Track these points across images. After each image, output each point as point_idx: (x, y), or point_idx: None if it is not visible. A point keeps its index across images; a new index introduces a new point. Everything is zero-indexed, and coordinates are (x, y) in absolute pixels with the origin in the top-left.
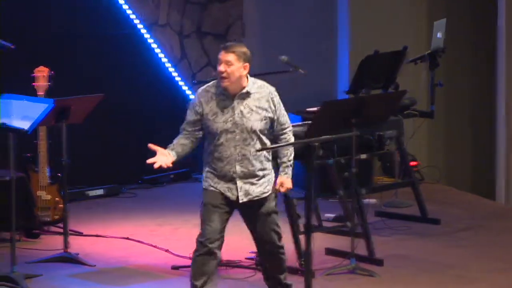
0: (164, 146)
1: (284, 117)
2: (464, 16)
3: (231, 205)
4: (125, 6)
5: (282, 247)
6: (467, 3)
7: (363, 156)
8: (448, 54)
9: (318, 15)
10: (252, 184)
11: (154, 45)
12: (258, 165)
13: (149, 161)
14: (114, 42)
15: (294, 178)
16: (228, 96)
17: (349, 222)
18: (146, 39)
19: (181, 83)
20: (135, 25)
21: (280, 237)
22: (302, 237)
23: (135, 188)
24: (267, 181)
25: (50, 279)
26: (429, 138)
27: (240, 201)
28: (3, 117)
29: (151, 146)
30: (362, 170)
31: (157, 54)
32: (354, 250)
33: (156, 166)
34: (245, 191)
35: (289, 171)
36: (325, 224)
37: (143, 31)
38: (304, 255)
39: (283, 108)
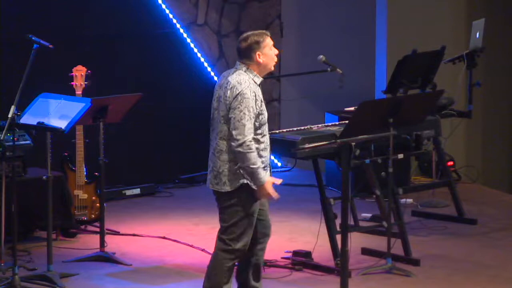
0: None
1: None
2: (503, 16)
3: None
4: (163, 6)
5: None
6: (505, 2)
7: (400, 156)
8: (486, 54)
9: (356, 15)
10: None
11: (192, 45)
12: None
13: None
14: (152, 42)
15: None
16: (259, 84)
17: (386, 222)
18: (184, 38)
19: None
20: (174, 24)
21: None
22: (338, 237)
23: (171, 187)
24: None
25: (86, 278)
26: (466, 138)
27: None
28: (41, 116)
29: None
30: (399, 170)
31: (195, 53)
32: (391, 250)
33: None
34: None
35: None
36: (361, 223)
37: (181, 30)
38: (340, 254)
39: None
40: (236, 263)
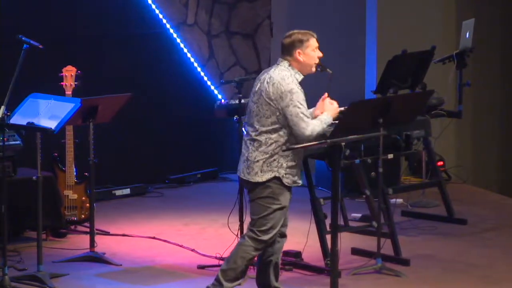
0: (191, 144)
1: None
2: (493, 16)
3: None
4: (153, 6)
5: None
6: (495, 3)
7: (390, 156)
8: (476, 54)
9: (346, 15)
10: None
11: (182, 45)
12: None
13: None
14: (142, 42)
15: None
16: (301, 82)
17: (376, 222)
18: (174, 39)
19: (208, 82)
20: (163, 25)
21: None
22: (328, 237)
23: (161, 187)
24: None
25: (76, 279)
26: (456, 138)
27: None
28: (31, 116)
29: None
30: (389, 170)
31: (185, 54)
32: (380, 250)
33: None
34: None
35: None
36: (351, 223)
37: (171, 31)
38: (330, 254)
39: None
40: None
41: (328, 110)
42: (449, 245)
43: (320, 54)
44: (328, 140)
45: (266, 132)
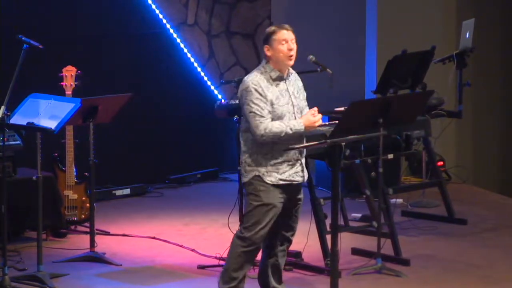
0: (191, 144)
1: None
2: (493, 16)
3: (289, 194)
4: (153, 6)
5: None
6: (495, 2)
7: (390, 156)
8: (476, 54)
9: (346, 15)
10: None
11: (182, 45)
12: None
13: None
14: (142, 42)
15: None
16: (281, 78)
17: (376, 222)
18: (174, 39)
19: (208, 82)
20: (163, 25)
21: None
22: (328, 237)
23: (161, 187)
24: None
25: (76, 279)
26: (456, 138)
27: (305, 180)
28: (31, 116)
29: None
30: (389, 170)
31: (185, 54)
32: (381, 250)
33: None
34: (305, 171)
35: None
36: (351, 224)
37: (171, 31)
38: (331, 254)
39: None
40: (255, 260)
41: (306, 119)
42: (449, 245)
43: (293, 47)
44: (328, 140)
45: (244, 131)
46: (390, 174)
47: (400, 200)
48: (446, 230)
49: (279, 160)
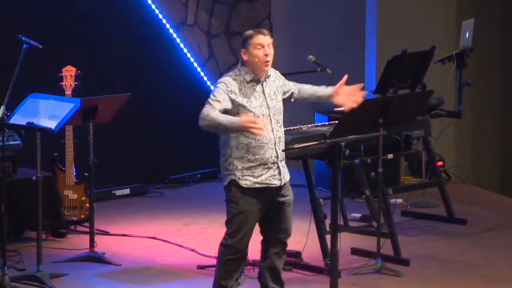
0: (191, 144)
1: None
2: (493, 16)
3: (268, 198)
4: (153, 6)
5: None
6: (495, 2)
7: (390, 156)
8: (476, 54)
9: (346, 15)
10: (283, 167)
11: (181, 45)
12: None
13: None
14: (142, 42)
15: (320, 178)
16: (258, 81)
17: (375, 222)
18: (174, 39)
19: (208, 82)
20: (163, 25)
21: None
22: (328, 237)
23: (161, 187)
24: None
25: (76, 279)
26: (456, 138)
27: (282, 185)
28: (31, 116)
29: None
30: (389, 170)
31: (184, 54)
32: (380, 250)
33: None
34: (283, 174)
35: None
36: (351, 224)
37: (171, 31)
38: (330, 254)
39: None
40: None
41: (244, 120)
42: (449, 245)
43: (269, 52)
44: (328, 140)
45: (221, 135)
46: (389, 174)
47: (399, 200)
48: (446, 230)
49: (254, 164)
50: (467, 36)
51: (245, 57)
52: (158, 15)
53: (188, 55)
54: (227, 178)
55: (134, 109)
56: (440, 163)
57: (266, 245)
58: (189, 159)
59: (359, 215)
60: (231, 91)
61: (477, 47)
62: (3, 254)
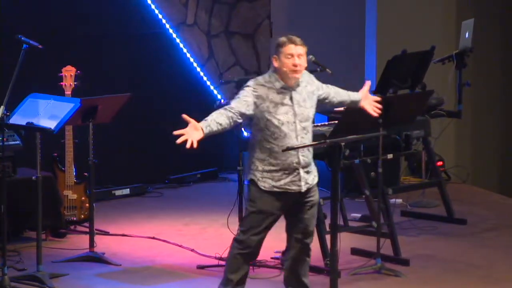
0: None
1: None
2: (493, 16)
3: (288, 201)
4: (153, 6)
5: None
6: (495, 2)
7: (390, 156)
8: (476, 54)
9: (345, 15)
10: (308, 172)
11: (181, 45)
12: (312, 153)
13: (176, 132)
14: (142, 42)
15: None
16: (287, 88)
17: (375, 222)
18: (173, 39)
19: (208, 82)
20: (163, 25)
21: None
22: (328, 237)
23: (161, 187)
24: (315, 168)
25: (76, 279)
26: (456, 138)
27: (303, 191)
28: (30, 116)
29: (185, 116)
30: (389, 170)
31: (184, 54)
32: (380, 250)
33: (180, 140)
34: (305, 180)
35: None
36: (351, 224)
37: (171, 31)
38: (330, 254)
39: None
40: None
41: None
42: (449, 245)
43: (298, 62)
44: (328, 140)
45: (251, 135)
46: (389, 174)
47: (399, 200)
48: (446, 230)
49: (275, 168)
50: (467, 36)
51: (275, 64)
52: (158, 15)
53: (188, 55)
54: (249, 176)
55: (134, 109)
56: (440, 163)
57: (288, 246)
58: (189, 159)
59: (359, 215)
60: (258, 96)
61: (477, 47)
62: (3, 254)
